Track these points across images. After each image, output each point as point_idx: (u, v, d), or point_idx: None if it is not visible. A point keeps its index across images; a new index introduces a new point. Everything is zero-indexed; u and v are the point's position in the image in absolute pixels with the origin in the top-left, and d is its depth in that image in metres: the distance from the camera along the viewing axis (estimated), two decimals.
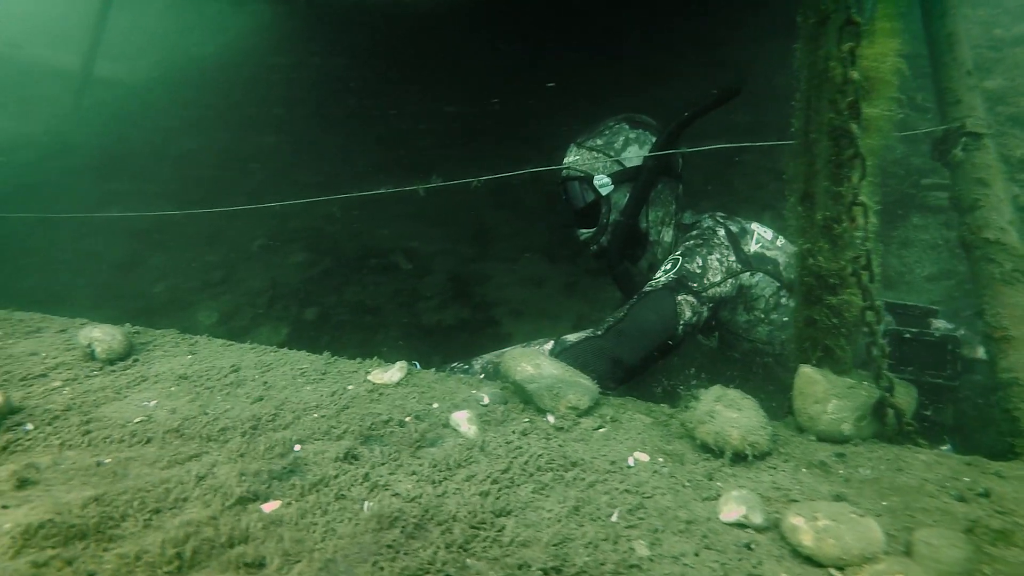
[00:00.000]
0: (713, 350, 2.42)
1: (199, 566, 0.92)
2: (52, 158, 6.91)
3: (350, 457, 1.23)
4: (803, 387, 1.42)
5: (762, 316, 2.21)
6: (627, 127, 2.41)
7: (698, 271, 2.12)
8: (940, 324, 2.17)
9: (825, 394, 1.38)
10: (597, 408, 1.50)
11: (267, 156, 6.51)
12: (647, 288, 2.13)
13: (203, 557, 0.93)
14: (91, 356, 1.70)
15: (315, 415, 1.42)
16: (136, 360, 1.71)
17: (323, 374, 1.67)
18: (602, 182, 2.35)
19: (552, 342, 2.06)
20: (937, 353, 1.97)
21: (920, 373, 1.96)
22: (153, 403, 1.46)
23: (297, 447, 1.28)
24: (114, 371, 1.64)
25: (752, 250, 2.21)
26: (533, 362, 1.53)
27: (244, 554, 0.93)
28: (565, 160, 2.44)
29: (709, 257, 2.15)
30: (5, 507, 1.03)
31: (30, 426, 1.33)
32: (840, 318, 1.37)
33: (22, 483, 1.10)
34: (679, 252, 2.18)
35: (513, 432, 1.37)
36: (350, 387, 1.58)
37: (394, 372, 1.64)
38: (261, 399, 1.49)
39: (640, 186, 2.30)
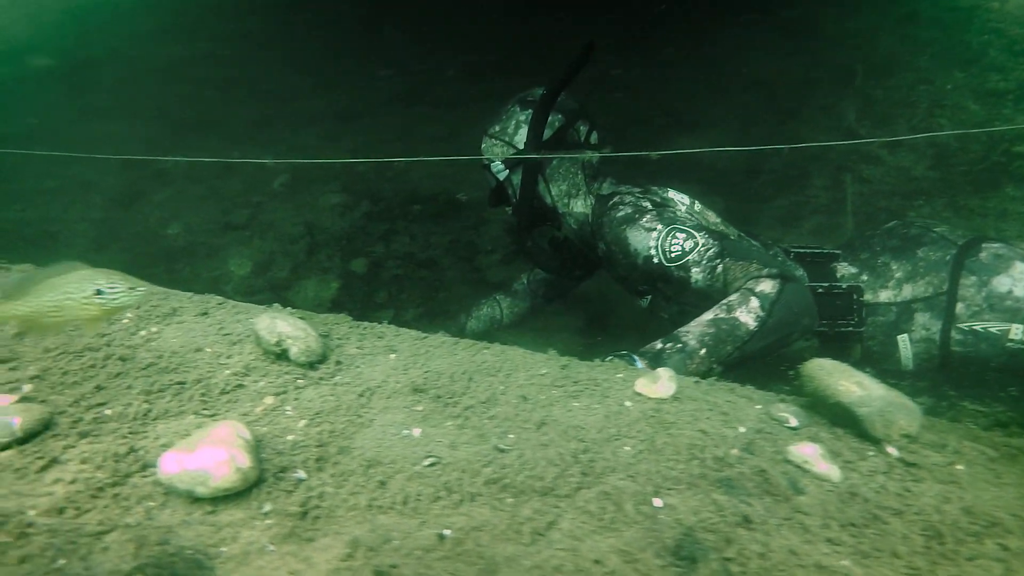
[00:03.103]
0: (643, 311, 2.46)
1: None
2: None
3: (744, 520, 0.99)
4: None
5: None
6: (518, 109, 2.43)
7: (695, 226, 2.13)
8: (843, 267, 2.27)
9: None
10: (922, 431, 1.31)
11: (273, 76, 5.78)
12: (705, 262, 2.01)
13: None
14: (281, 357, 1.35)
15: (627, 448, 1.16)
16: (339, 363, 1.38)
17: (575, 383, 1.39)
18: (497, 168, 2.44)
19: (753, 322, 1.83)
20: (845, 303, 2.14)
21: (832, 324, 2.14)
22: (416, 432, 1.16)
23: (657, 501, 1.02)
24: (323, 380, 1.31)
25: (681, 215, 2.26)
26: (855, 380, 1.31)
27: None
28: (482, 148, 2.53)
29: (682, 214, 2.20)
30: None
31: (302, 473, 1.01)
32: None
33: None
34: (673, 227, 2.10)
35: (871, 471, 1.16)
36: (627, 404, 1.31)
37: (665, 383, 1.38)
38: (543, 424, 1.21)
39: (524, 169, 2.36)
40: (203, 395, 1.20)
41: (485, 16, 6.39)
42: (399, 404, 1.25)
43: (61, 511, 0.89)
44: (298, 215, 4.31)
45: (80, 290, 1.05)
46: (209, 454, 0.92)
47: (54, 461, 0.99)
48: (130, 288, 1.09)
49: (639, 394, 1.37)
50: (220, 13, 6.63)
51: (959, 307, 2.06)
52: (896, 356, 2.15)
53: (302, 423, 1.15)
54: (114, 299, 1.06)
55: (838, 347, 2.16)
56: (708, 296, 2.04)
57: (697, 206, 2.36)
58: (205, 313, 1.56)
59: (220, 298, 1.66)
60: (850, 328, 2.14)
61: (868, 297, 2.17)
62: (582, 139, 2.43)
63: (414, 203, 4.46)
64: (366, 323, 1.60)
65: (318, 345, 1.36)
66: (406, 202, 4.46)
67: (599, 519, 0.97)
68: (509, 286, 3.12)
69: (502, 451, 1.12)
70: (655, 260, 2.08)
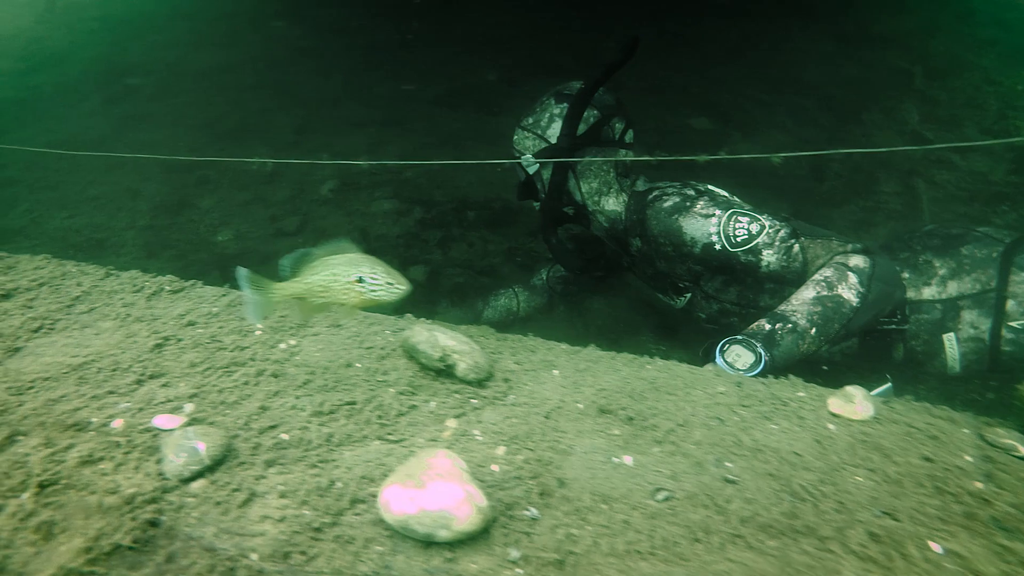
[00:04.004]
0: (678, 311, 2.39)
1: None
2: (38, 69, 5.85)
3: None
4: None
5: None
6: (553, 102, 2.35)
7: (753, 209, 2.05)
8: None
9: None
10: None
11: (312, 82, 5.70)
12: (778, 243, 1.94)
13: None
14: (443, 373, 1.23)
15: (859, 478, 1.03)
16: (506, 380, 1.25)
17: (760, 401, 1.26)
18: (528, 162, 2.35)
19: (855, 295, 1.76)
20: None
21: (875, 322, 2.00)
22: (628, 460, 1.03)
23: (935, 546, 0.89)
24: (497, 400, 1.18)
25: (733, 199, 2.18)
26: None
27: None
28: (514, 140, 2.47)
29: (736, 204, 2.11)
30: None
31: (534, 510, 0.88)
32: None
33: None
34: (733, 210, 2.03)
35: None
36: (830, 427, 1.19)
37: (862, 403, 1.25)
38: (758, 451, 1.08)
39: (556, 164, 2.28)
40: (379, 417, 1.08)
41: (527, 19, 6.32)
42: (591, 427, 1.12)
43: (287, 556, 0.76)
44: (350, 222, 4.20)
45: (345, 273, 0.95)
46: (445, 491, 0.80)
47: (253, 495, 0.87)
48: (389, 283, 0.98)
49: (835, 415, 1.24)
50: (254, 21, 6.59)
51: (1009, 304, 1.96)
52: (941, 357, 2.04)
53: (501, 450, 1.02)
54: (372, 291, 0.96)
55: (879, 346, 2.06)
56: (781, 278, 1.96)
57: (736, 199, 2.26)
58: (338, 325, 1.45)
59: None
60: (893, 326, 2.02)
61: (911, 294, 2.05)
62: (616, 136, 2.36)
63: (467, 209, 4.35)
64: (511, 335, 1.48)
65: (485, 361, 1.24)
66: (459, 208, 4.35)
67: (885, 567, 0.84)
68: (528, 279, 3.07)
69: (731, 482, 0.99)
70: (717, 247, 1.99)
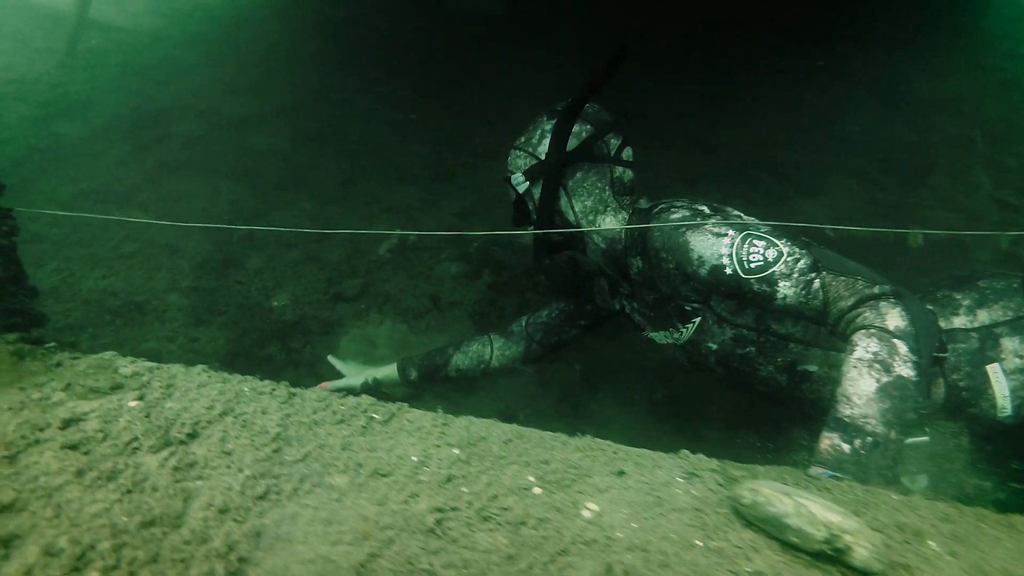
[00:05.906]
0: (681, 348, 2.19)
1: None
2: (60, 116, 5.51)
3: None
4: None
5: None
6: (544, 119, 2.27)
7: (771, 233, 1.86)
8: None
9: None
10: None
11: (358, 130, 5.47)
12: (797, 275, 1.73)
13: None
14: (825, 557, 0.92)
15: None
16: (906, 567, 0.95)
17: None
18: (517, 180, 2.25)
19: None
20: None
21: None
22: None
23: None
24: None
25: (749, 220, 2.04)
26: None
27: None
28: (508, 162, 2.40)
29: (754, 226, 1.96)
30: None
31: None
32: None
33: None
34: (748, 232, 1.83)
35: None
36: None
37: None
38: None
39: (545, 181, 2.18)
40: None
41: (579, 70, 6.22)
42: None
43: None
44: (415, 286, 3.89)
45: None
46: None
47: None
48: None
49: None
50: (286, 67, 6.38)
51: None
52: (988, 393, 1.81)
53: None
54: None
55: None
56: (799, 313, 1.75)
57: (752, 220, 2.07)
58: (621, 473, 1.13)
59: (604, 442, 1.24)
60: (933, 352, 1.83)
61: (941, 324, 1.88)
62: (611, 153, 2.22)
63: (539, 273, 4.08)
64: (837, 483, 1.18)
65: (880, 542, 0.94)
66: (530, 272, 4.08)
67: None
68: (506, 327, 2.82)
69: None
70: (727, 271, 1.78)
